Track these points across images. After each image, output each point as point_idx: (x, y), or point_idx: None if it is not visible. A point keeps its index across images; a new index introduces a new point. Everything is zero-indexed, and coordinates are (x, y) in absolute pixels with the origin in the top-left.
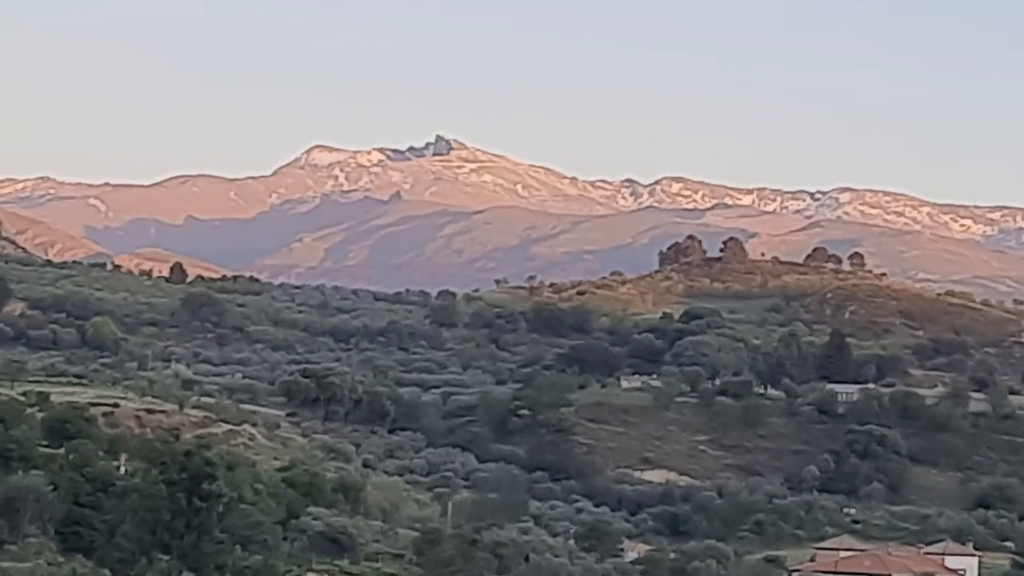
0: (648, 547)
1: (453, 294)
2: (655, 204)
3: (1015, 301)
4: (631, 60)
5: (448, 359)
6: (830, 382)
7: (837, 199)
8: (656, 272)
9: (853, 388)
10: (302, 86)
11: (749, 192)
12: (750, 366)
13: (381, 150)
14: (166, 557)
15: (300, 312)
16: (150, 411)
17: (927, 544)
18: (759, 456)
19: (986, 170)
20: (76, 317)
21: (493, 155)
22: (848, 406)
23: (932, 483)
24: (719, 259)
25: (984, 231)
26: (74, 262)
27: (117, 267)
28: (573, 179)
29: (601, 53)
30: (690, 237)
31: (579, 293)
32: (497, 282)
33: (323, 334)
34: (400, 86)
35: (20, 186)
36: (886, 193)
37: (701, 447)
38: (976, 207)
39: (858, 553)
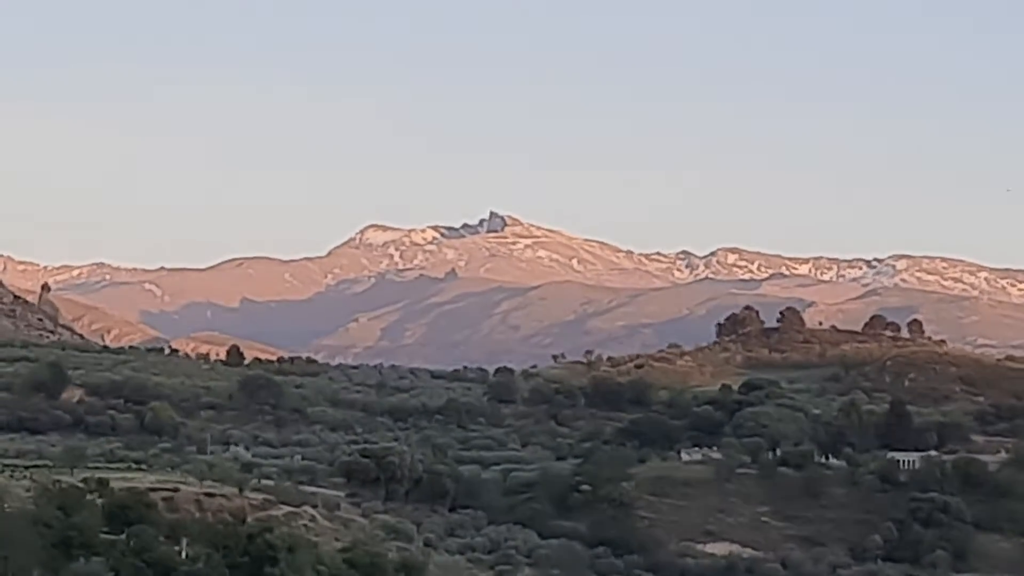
0: None
1: (511, 370)
2: (711, 276)
3: None
4: (682, 133)
5: (507, 436)
6: (891, 450)
7: (894, 266)
8: (714, 344)
9: (915, 456)
10: (354, 166)
11: (805, 261)
12: (811, 436)
13: (435, 228)
14: None
15: (358, 392)
16: (210, 495)
17: None
18: (822, 526)
19: None
20: (134, 402)
21: (547, 230)
22: (910, 474)
23: (997, 550)
24: (777, 329)
25: None
26: (131, 347)
27: (174, 351)
28: (628, 252)
29: (652, 126)
30: (747, 308)
31: (637, 367)
32: (554, 357)
33: (381, 414)
34: (452, 164)
35: (76, 272)
36: (943, 259)
37: (763, 518)
38: None
39: None
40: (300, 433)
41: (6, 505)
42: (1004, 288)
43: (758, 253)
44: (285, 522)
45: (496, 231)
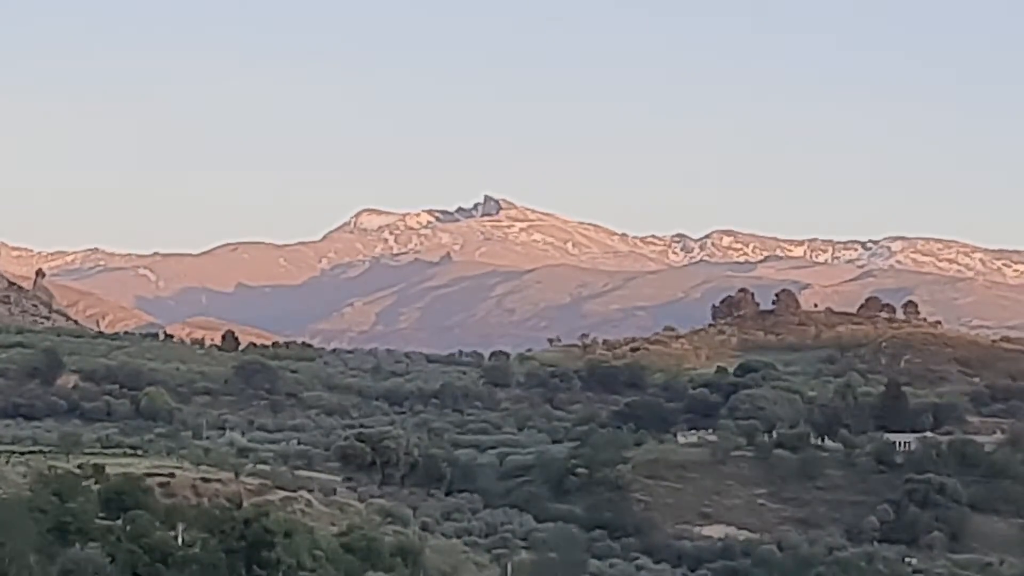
0: None
1: (506, 354)
2: (706, 258)
3: None
4: (678, 114)
5: (503, 419)
6: (887, 432)
7: (889, 248)
8: (709, 326)
9: (911, 437)
10: (348, 150)
11: (800, 243)
12: (806, 418)
13: (430, 212)
14: None
15: (353, 376)
16: (206, 480)
17: None
18: (818, 508)
19: None
20: (129, 388)
21: (542, 213)
22: (906, 455)
23: (993, 531)
24: (772, 311)
25: None
26: (126, 333)
27: (169, 337)
28: (623, 235)
29: (646, 108)
30: (742, 290)
31: (632, 350)
32: (550, 341)
33: (377, 398)
34: (447, 147)
35: (70, 258)
36: (938, 240)
37: (759, 500)
38: None
39: None
40: (296, 418)
41: (2, 491)
42: (999, 269)
43: (753, 235)
44: (281, 507)
45: (491, 215)
